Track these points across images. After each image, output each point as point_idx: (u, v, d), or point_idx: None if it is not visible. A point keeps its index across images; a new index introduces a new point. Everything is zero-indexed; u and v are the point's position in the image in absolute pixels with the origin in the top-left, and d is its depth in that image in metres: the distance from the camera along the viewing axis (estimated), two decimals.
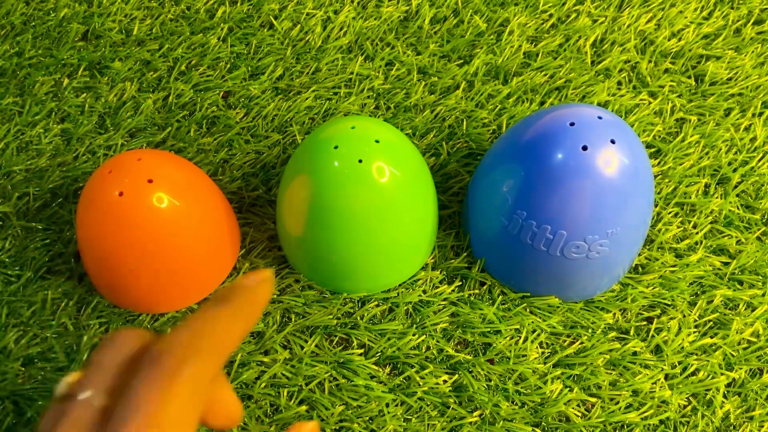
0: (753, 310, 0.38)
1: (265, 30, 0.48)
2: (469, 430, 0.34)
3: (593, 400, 0.35)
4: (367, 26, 0.48)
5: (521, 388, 0.35)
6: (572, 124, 0.33)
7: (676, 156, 0.42)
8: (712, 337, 0.37)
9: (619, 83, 0.46)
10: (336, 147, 0.33)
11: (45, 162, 0.42)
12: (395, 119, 0.44)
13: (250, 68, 0.46)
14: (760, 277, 0.39)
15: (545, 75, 0.45)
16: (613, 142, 0.32)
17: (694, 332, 0.37)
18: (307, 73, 0.46)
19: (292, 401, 0.35)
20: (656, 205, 0.41)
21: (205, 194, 0.36)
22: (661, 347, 0.37)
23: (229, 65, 0.46)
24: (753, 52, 0.47)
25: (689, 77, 0.46)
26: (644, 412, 0.35)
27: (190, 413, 0.21)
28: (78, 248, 0.38)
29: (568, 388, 0.35)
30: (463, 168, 0.42)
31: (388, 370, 0.36)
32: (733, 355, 0.37)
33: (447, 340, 0.37)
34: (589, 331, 0.37)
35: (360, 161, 0.32)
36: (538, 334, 0.37)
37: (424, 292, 0.38)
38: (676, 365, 0.36)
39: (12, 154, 0.42)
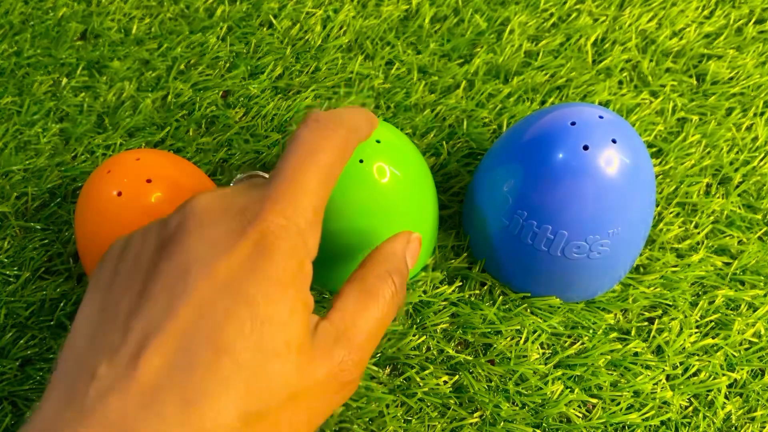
0: (755, 311, 0.38)
1: (265, 29, 0.48)
2: (470, 431, 0.34)
3: (594, 401, 0.35)
4: (367, 25, 0.47)
5: (522, 388, 0.35)
6: (573, 124, 0.32)
7: (678, 155, 0.42)
8: (713, 338, 0.37)
9: (620, 82, 0.45)
10: None
11: (43, 162, 0.42)
12: (395, 119, 0.44)
13: (249, 67, 0.46)
14: (762, 278, 0.39)
15: (546, 74, 0.45)
16: (614, 141, 0.32)
17: (696, 333, 0.37)
18: (307, 72, 0.46)
19: None
20: (657, 205, 0.40)
21: None
22: (663, 348, 0.36)
23: (228, 64, 0.46)
24: (755, 51, 0.47)
25: (691, 76, 0.46)
26: (645, 413, 0.35)
27: (335, 167, 0.26)
28: (77, 248, 0.37)
29: (569, 389, 0.35)
30: (464, 168, 0.42)
31: (388, 370, 0.36)
32: (734, 356, 0.36)
33: (447, 340, 0.37)
34: (590, 331, 0.37)
35: (360, 161, 0.32)
36: (539, 335, 0.37)
37: (425, 292, 0.38)
38: (677, 366, 0.36)
39: (10, 154, 0.42)
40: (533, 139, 0.34)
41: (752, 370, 0.36)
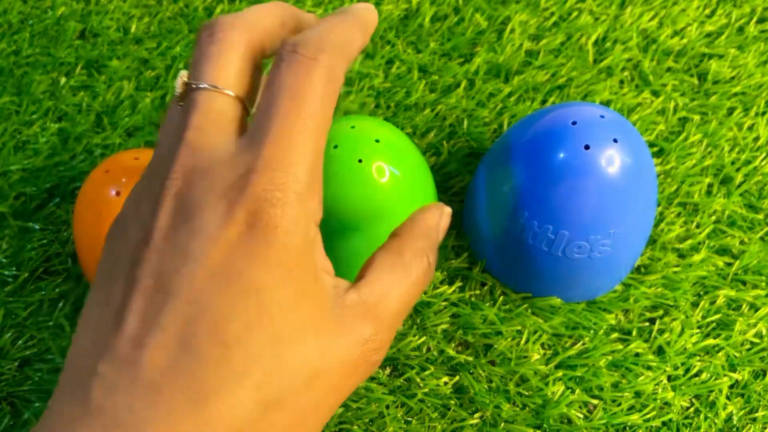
0: (756, 311, 0.38)
1: None
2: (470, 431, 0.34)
3: (595, 401, 0.35)
4: None
5: (523, 389, 0.35)
6: (574, 123, 0.32)
7: (679, 155, 0.42)
8: (715, 338, 0.37)
9: (621, 82, 0.45)
10: (335, 147, 0.32)
11: (42, 161, 0.42)
12: (395, 118, 0.43)
13: None
14: (764, 278, 0.39)
15: (547, 73, 0.45)
16: (615, 141, 0.32)
17: (697, 333, 0.37)
18: None
19: None
20: (659, 205, 0.40)
21: None
22: (664, 348, 0.36)
23: None
24: (756, 50, 0.47)
25: (692, 76, 0.46)
26: (647, 414, 0.35)
27: (326, 108, 0.23)
28: (75, 248, 0.37)
29: (570, 390, 0.35)
30: (464, 167, 0.42)
31: (388, 371, 0.36)
32: (736, 357, 0.36)
33: (448, 341, 0.36)
34: (591, 332, 0.37)
35: (360, 161, 0.32)
36: (540, 335, 0.36)
37: (425, 292, 0.37)
38: (678, 366, 0.36)
39: (9, 154, 0.42)
40: (534, 138, 0.33)
41: (754, 371, 0.36)
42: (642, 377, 0.35)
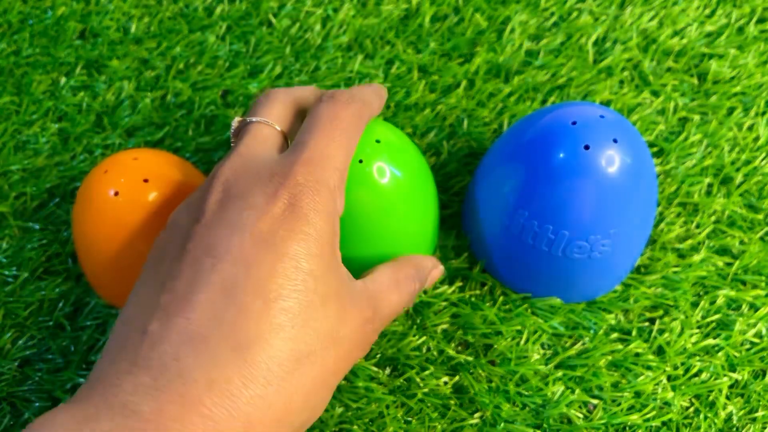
0: (756, 311, 0.38)
1: (264, 28, 0.47)
2: (470, 431, 0.34)
3: (595, 401, 0.35)
4: (367, 24, 0.47)
5: (523, 389, 0.35)
6: (574, 123, 0.32)
7: (679, 155, 0.42)
8: (714, 338, 0.37)
9: (621, 82, 0.45)
10: None
11: (42, 161, 0.42)
12: (395, 118, 0.43)
13: (248, 66, 0.46)
14: (764, 278, 0.38)
15: (547, 73, 0.45)
16: (615, 141, 0.32)
17: (697, 333, 0.37)
18: (307, 71, 0.45)
19: None
20: (659, 205, 0.40)
21: None
22: (664, 348, 0.36)
23: (227, 63, 0.46)
24: (756, 50, 0.47)
25: (692, 76, 0.46)
26: (646, 414, 0.35)
27: (355, 132, 0.29)
28: (75, 248, 0.37)
29: (570, 390, 0.35)
30: (464, 167, 0.42)
31: (388, 371, 0.36)
32: (736, 357, 0.36)
33: (448, 341, 0.36)
34: (591, 332, 0.37)
35: (360, 161, 0.32)
36: (540, 335, 0.36)
37: (425, 292, 0.37)
38: (678, 366, 0.36)
39: (9, 154, 0.42)
40: (534, 138, 0.33)
41: (753, 371, 0.36)
42: (642, 377, 0.35)
